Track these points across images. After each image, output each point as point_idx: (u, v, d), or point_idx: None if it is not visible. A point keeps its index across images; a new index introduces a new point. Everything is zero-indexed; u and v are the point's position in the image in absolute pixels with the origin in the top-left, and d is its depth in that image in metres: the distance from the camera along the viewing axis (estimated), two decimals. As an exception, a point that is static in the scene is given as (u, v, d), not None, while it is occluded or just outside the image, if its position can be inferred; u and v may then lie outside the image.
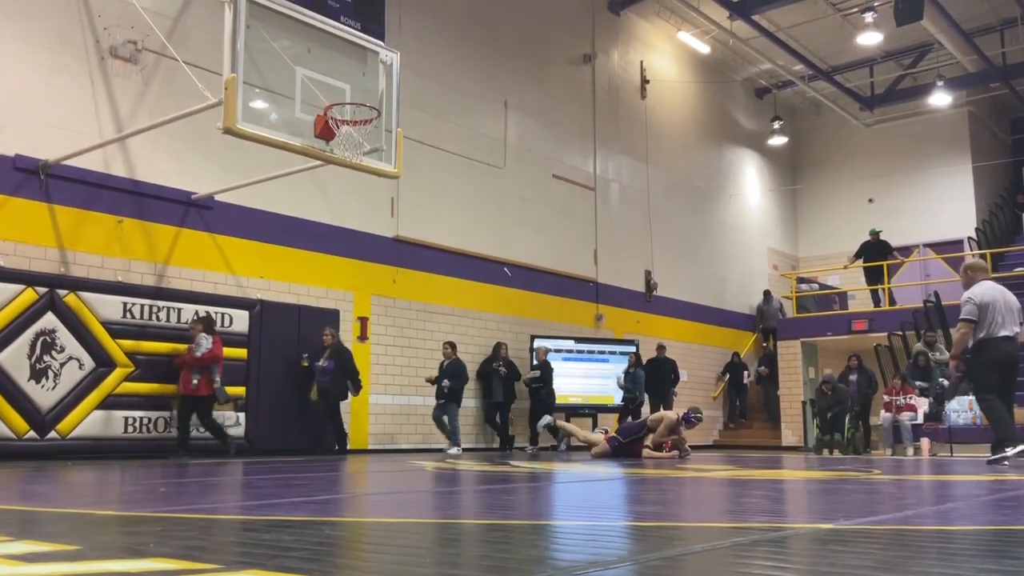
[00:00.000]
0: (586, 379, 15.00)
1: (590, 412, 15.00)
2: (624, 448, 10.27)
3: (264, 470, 7.31)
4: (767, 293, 20.31)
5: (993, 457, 7.72)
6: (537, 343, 14.21)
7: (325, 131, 8.74)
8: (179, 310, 10.31)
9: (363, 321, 12.53)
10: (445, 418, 12.38)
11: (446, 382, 12.29)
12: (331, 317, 11.89)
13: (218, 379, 9.77)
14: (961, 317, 7.84)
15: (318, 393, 11.08)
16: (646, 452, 10.06)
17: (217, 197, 10.91)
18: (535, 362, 13.90)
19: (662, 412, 10.67)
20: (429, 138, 13.34)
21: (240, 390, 10.77)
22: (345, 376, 11.17)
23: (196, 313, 10.22)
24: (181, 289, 10.51)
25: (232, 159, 10.72)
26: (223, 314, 10.73)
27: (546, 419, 12.02)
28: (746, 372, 18.73)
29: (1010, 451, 7.52)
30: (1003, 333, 7.65)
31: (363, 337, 12.49)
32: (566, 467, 8.14)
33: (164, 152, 10.55)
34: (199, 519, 3.39)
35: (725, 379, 18.90)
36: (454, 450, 12.11)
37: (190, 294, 10.52)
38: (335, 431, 11.17)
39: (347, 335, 12.21)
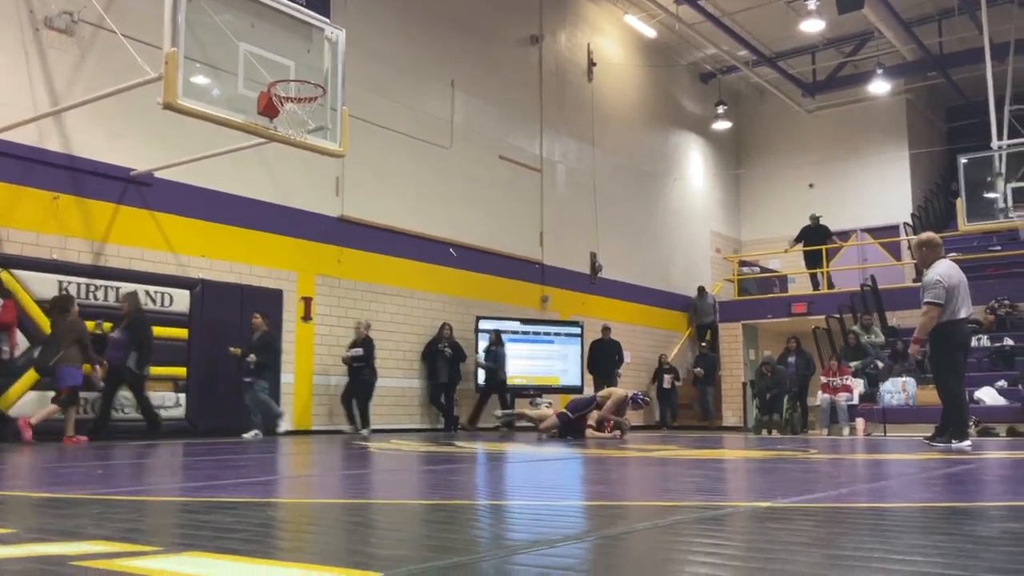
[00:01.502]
0: (531, 360, 15.09)
1: (535, 393, 15.07)
2: (573, 423, 10.32)
3: (204, 451, 7.21)
4: (701, 289, 19.86)
5: (937, 442, 7.72)
6: (361, 317, 12.62)
7: (269, 108, 8.61)
8: (117, 289, 10.09)
9: (307, 301, 12.41)
10: (260, 397, 10.75)
11: (252, 356, 10.65)
12: (274, 297, 11.76)
13: (6, 349, 8.58)
14: (930, 300, 7.54)
15: (107, 369, 9.63)
16: (589, 432, 10.14)
17: (157, 174, 10.68)
18: (356, 338, 12.25)
19: (611, 389, 10.70)
20: (375, 117, 13.21)
21: (180, 371, 10.62)
22: (137, 349, 9.63)
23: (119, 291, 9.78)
24: (119, 267, 10.28)
25: (173, 135, 10.49)
26: (163, 293, 10.54)
27: (505, 413, 11.66)
28: (669, 376, 17.63)
29: (956, 444, 7.52)
30: (962, 315, 7.59)
31: (307, 317, 12.37)
32: (509, 448, 8.18)
33: (101, 127, 10.28)
34: (138, 501, 3.34)
35: (655, 385, 17.80)
36: (250, 434, 10.40)
37: (129, 272, 10.31)
38: (144, 411, 9.75)
39: (291, 315, 12.09)
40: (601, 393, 10.46)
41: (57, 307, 9.07)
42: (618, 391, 10.49)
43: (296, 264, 12.31)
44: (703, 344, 18.86)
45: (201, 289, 10.91)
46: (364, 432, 11.96)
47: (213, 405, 10.71)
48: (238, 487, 3.91)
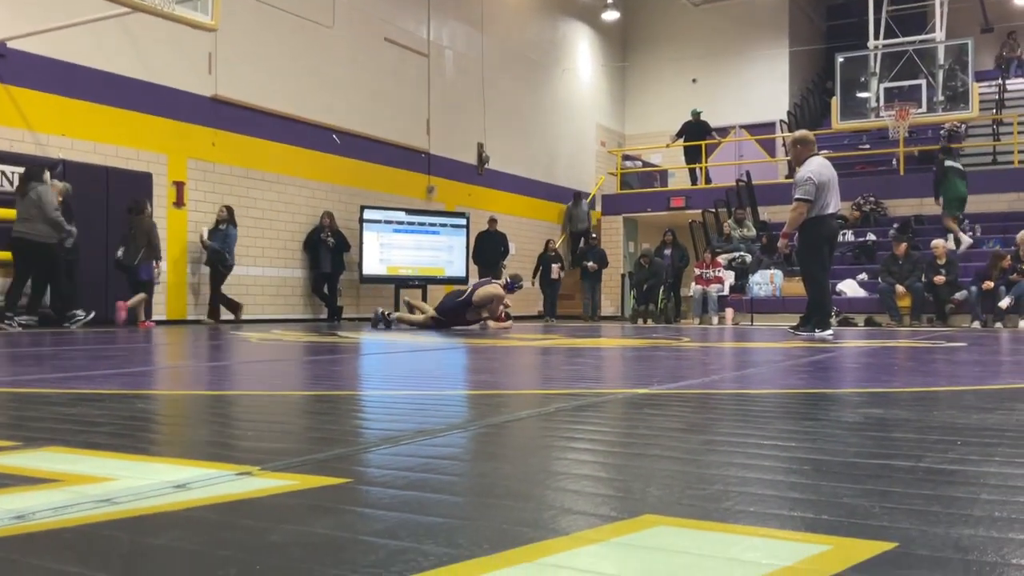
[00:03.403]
0: (417, 251, 14.98)
1: (420, 284, 15.05)
2: (445, 324, 10.18)
3: (71, 341, 6.91)
4: (577, 195, 19.17)
5: (801, 331, 8.10)
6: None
7: (132, -26, 7.97)
8: (-32, 168, 9.37)
9: (179, 186, 11.85)
10: None
11: None
12: (143, 180, 11.18)
13: None
14: (800, 197, 7.75)
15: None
16: (492, 324, 10.13)
17: (10, 44, 9.82)
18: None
19: (486, 289, 10.48)
20: (250, -10, 12.44)
21: (43, 257, 10.03)
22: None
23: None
24: (-31, 145, 9.52)
25: (28, 2, 9.62)
26: (21, 174, 9.84)
27: (379, 311, 10.97)
28: (556, 265, 16.71)
29: (818, 333, 7.90)
30: (831, 211, 7.84)
31: (179, 203, 11.85)
32: (393, 338, 8.17)
33: (-60, -12, 9.32)
34: (-4, 394, 3.15)
35: (539, 272, 16.85)
36: None
37: (-20, 151, 9.57)
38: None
39: (162, 200, 11.54)
40: (478, 295, 10.18)
41: (134, 209, 10.32)
42: (495, 290, 10.30)
43: (166, 146, 11.68)
44: (593, 236, 18.21)
45: (62, 170, 10.24)
46: (80, 316, 9.79)
47: (79, 293, 10.21)
48: (106, 378, 3.75)
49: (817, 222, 7.83)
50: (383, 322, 10.41)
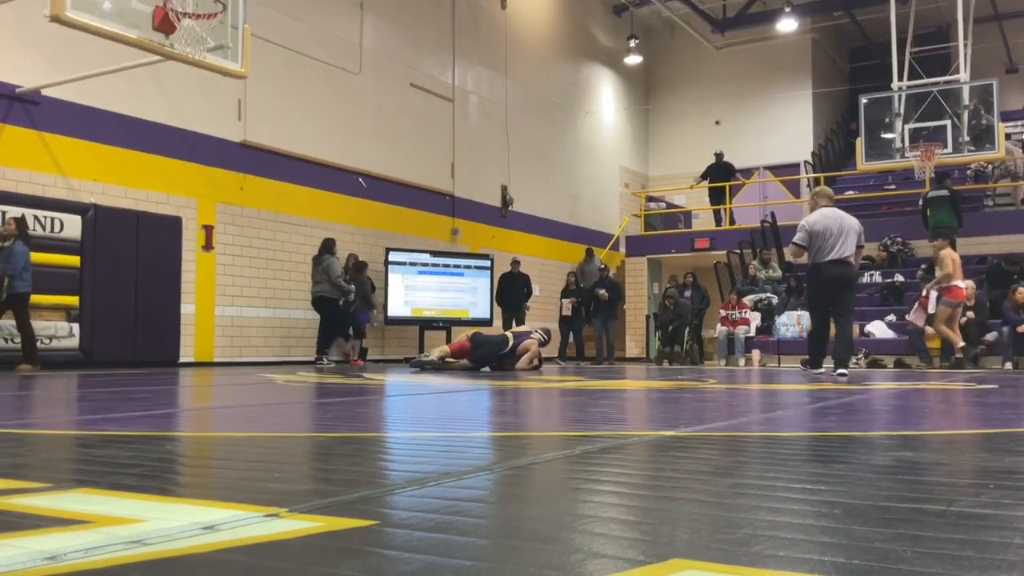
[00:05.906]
0: (441, 293, 15.04)
1: (444, 326, 15.08)
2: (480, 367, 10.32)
3: (100, 383, 6.97)
4: (589, 251, 18.02)
5: (809, 369, 8.99)
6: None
7: (165, 23, 8.18)
8: (2, 212, 9.56)
9: (208, 230, 12.02)
10: None
11: None
12: (173, 225, 11.35)
13: None
14: (793, 241, 8.70)
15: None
16: (519, 364, 10.34)
17: (44, 92, 10.08)
18: None
19: (531, 350, 10.63)
20: (279, 37, 12.71)
21: (73, 299, 10.19)
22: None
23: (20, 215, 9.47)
24: (5, 191, 9.73)
25: (62, 51, 9.88)
26: (53, 218, 10.04)
27: (424, 357, 10.94)
28: (567, 301, 16.04)
29: (810, 370, 8.79)
30: (830, 258, 8.32)
31: (208, 246, 12.00)
32: (417, 380, 8.17)
33: (-20, 39, 9.60)
34: (27, 434, 3.19)
35: (561, 309, 16.28)
36: None
37: (15, 196, 9.77)
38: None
39: (191, 244, 11.70)
40: (523, 360, 10.41)
41: (355, 267, 13.36)
42: (535, 348, 10.55)
43: (196, 191, 11.87)
44: (602, 268, 17.00)
45: (94, 215, 10.43)
46: None
47: (109, 335, 10.34)
48: (135, 420, 3.78)
49: (814, 268, 8.54)
50: (427, 366, 10.44)
